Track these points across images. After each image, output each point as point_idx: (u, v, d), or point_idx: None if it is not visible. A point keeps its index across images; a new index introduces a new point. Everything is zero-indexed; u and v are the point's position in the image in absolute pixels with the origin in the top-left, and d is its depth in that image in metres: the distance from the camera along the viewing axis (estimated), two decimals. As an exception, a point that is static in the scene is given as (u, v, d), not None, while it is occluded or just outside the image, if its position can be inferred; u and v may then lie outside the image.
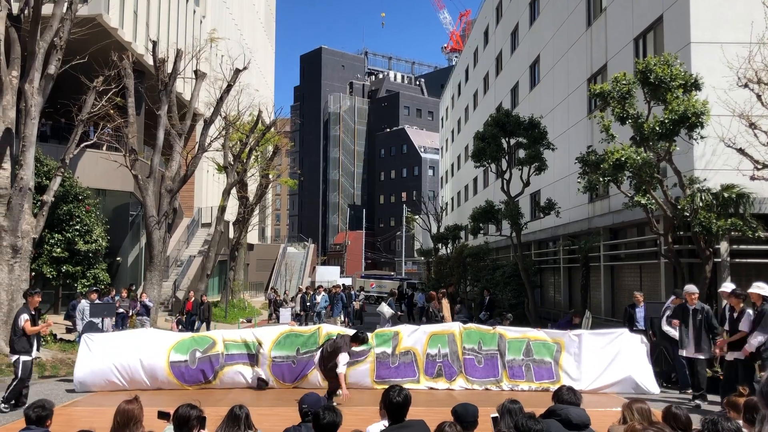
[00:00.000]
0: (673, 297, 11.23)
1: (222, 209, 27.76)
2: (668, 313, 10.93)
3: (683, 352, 10.06)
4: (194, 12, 34.23)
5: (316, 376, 10.12)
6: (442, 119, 57.99)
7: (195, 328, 18.37)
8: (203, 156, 22.09)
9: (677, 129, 12.35)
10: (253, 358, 10.53)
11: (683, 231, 13.90)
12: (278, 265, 51.95)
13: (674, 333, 10.45)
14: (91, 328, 12.48)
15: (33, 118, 13.52)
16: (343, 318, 23.58)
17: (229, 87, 21.77)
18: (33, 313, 9.44)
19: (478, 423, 4.57)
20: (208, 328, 17.80)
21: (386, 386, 5.18)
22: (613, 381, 10.48)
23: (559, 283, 23.44)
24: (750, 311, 8.87)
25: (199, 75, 20.68)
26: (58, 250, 16.00)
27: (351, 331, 9.69)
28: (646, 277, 16.84)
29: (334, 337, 9.32)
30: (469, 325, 11.78)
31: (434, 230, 45.62)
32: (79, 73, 16.38)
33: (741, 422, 4.33)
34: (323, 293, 24.38)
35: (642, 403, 4.60)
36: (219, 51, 32.37)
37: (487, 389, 10.49)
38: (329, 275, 51.32)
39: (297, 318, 22.92)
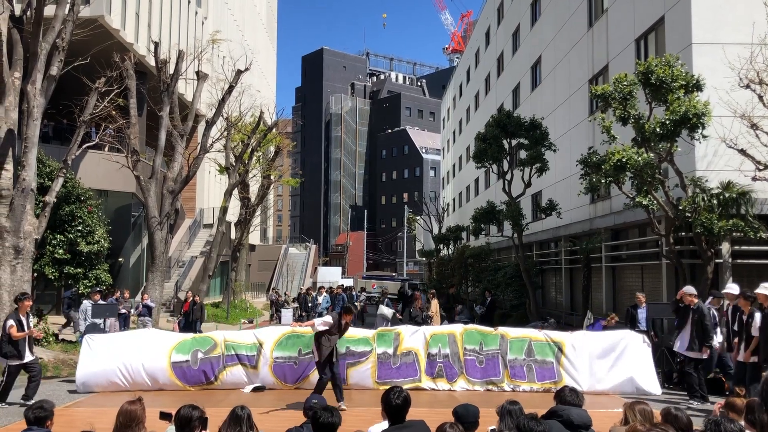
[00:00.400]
0: (711, 298, 10.90)
1: (224, 210, 27.78)
2: (716, 318, 10.33)
3: (676, 345, 10.03)
4: (196, 13, 34.26)
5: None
6: (443, 120, 58.00)
7: (196, 329, 18.36)
8: (205, 157, 22.11)
9: (678, 130, 12.35)
10: (254, 359, 10.55)
11: (685, 232, 13.89)
12: (280, 266, 51.89)
13: (715, 342, 10.13)
14: (93, 329, 12.49)
15: (35, 119, 13.54)
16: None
17: (231, 88, 21.79)
18: (21, 318, 9.31)
19: (479, 424, 4.57)
20: (196, 328, 17.78)
21: (388, 387, 5.18)
22: (615, 382, 10.46)
23: (560, 284, 23.43)
24: (758, 314, 8.83)
25: (200, 76, 20.70)
26: (60, 251, 16.00)
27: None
28: (648, 278, 16.83)
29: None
30: (471, 326, 11.80)
31: (436, 231, 45.58)
32: (81, 74, 16.42)
33: (743, 423, 4.33)
34: (325, 294, 24.40)
35: (644, 404, 4.57)
36: (221, 52, 32.39)
37: (488, 390, 10.49)
38: (331, 276, 51.20)
39: (299, 319, 22.91)
